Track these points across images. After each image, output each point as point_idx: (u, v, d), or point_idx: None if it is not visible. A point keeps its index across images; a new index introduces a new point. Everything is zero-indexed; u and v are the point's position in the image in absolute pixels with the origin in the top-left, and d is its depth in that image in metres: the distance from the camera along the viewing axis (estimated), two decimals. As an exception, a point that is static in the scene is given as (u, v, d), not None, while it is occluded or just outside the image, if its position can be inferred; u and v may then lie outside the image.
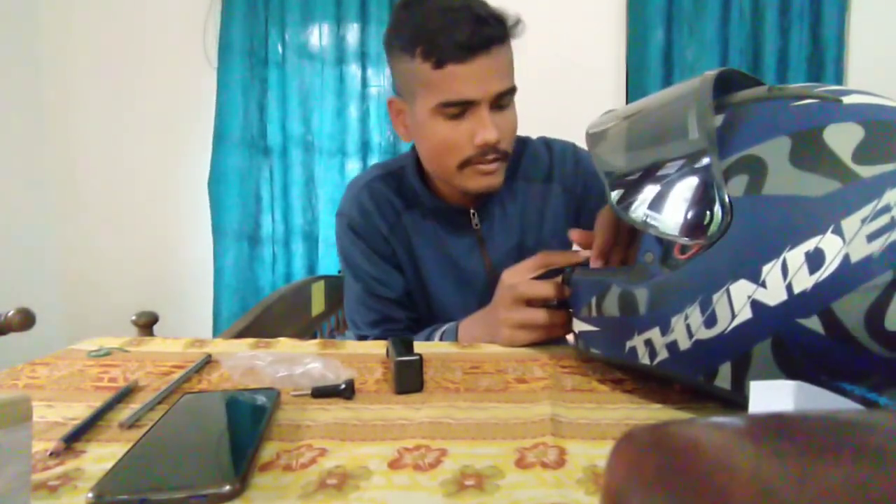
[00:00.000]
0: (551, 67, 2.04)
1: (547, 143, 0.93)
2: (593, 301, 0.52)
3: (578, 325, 0.56)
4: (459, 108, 0.72)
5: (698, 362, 0.42)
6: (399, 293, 0.87)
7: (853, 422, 0.18)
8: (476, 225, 0.85)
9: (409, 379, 0.52)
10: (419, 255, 0.86)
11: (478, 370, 0.58)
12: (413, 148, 0.87)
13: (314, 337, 1.64)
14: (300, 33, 2.15)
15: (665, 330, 0.43)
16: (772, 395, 0.36)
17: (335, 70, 2.15)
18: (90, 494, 0.32)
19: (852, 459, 0.14)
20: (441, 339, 0.75)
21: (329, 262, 2.17)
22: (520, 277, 0.66)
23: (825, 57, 2.03)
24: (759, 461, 0.14)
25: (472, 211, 0.85)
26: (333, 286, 1.87)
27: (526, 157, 0.89)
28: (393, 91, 0.99)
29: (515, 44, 0.77)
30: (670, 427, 0.17)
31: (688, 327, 0.41)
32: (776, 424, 0.18)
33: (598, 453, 0.39)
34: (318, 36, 2.16)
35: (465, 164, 0.75)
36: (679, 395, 0.51)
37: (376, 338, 0.84)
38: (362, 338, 0.87)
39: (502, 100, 0.74)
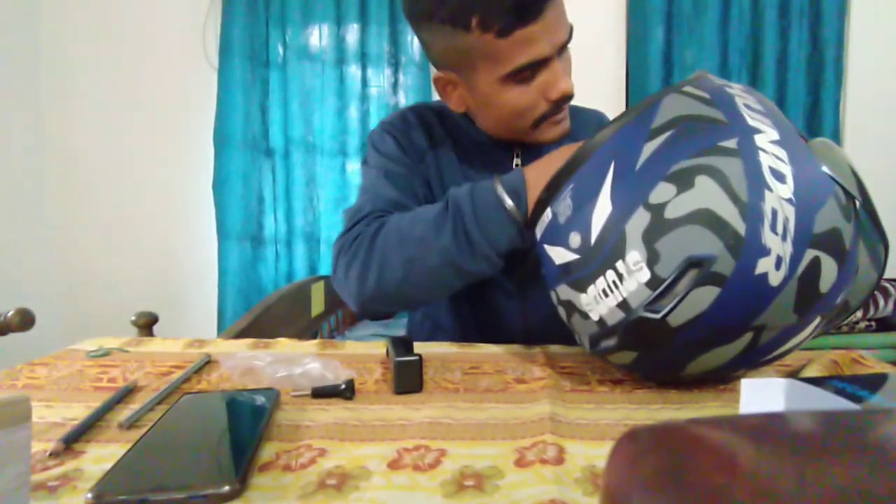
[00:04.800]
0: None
1: (599, 115, 0.93)
2: None
3: None
4: (531, 71, 0.66)
5: None
6: (419, 193, 0.78)
7: (852, 422, 0.18)
8: (517, 165, 0.80)
9: (408, 379, 0.52)
10: (456, 185, 0.77)
11: (477, 370, 0.58)
12: None
13: (314, 337, 1.64)
14: (300, 34, 2.15)
15: None
16: (763, 393, 0.36)
17: (335, 71, 2.15)
18: (90, 495, 0.32)
19: (852, 459, 0.14)
20: (500, 182, 0.62)
21: (329, 263, 2.18)
22: None
23: (825, 57, 2.03)
24: (759, 461, 0.14)
25: (516, 150, 0.79)
26: (333, 286, 1.87)
27: (579, 119, 0.85)
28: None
29: None
30: (670, 427, 0.17)
31: None
32: (776, 424, 0.17)
33: (597, 453, 0.39)
34: (319, 37, 2.16)
35: (539, 122, 0.71)
36: (679, 395, 0.51)
37: (380, 211, 0.71)
38: (356, 211, 0.72)
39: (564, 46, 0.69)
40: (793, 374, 0.52)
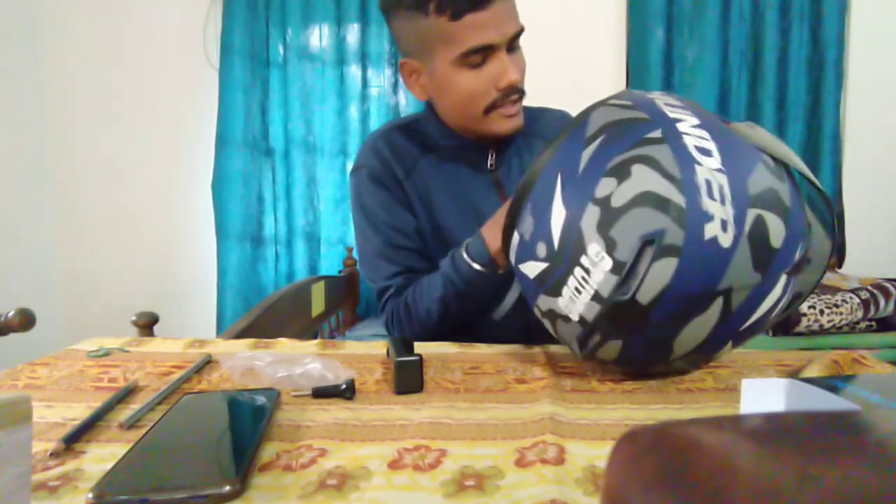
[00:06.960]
0: (551, 67, 2.04)
1: (564, 115, 0.97)
2: None
3: None
4: (481, 56, 0.75)
5: None
6: (419, 244, 0.86)
7: (853, 422, 0.18)
8: (491, 165, 0.86)
9: (409, 379, 0.52)
10: (435, 201, 0.86)
11: (478, 370, 0.58)
12: (427, 106, 0.88)
13: (314, 337, 1.64)
14: (301, 34, 2.15)
15: None
16: (763, 393, 0.36)
17: (336, 71, 2.15)
18: (90, 495, 0.32)
19: (852, 459, 0.14)
20: (468, 254, 0.73)
21: (330, 263, 2.17)
22: None
23: (825, 57, 2.03)
24: (760, 461, 0.14)
25: (490, 151, 0.86)
26: (333, 286, 1.87)
27: (545, 118, 0.93)
28: (397, 55, 1.00)
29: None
30: (670, 427, 0.17)
31: None
32: (776, 425, 0.18)
33: (598, 453, 0.39)
34: (319, 37, 2.16)
35: (489, 110, 0.78)
36: (679, 395, 0.51)
37: (398, 287, 0.83)
38: (383, 290, 0.85)
39: (513, 42, 0.77)
40: (793, 374, 0.52)
